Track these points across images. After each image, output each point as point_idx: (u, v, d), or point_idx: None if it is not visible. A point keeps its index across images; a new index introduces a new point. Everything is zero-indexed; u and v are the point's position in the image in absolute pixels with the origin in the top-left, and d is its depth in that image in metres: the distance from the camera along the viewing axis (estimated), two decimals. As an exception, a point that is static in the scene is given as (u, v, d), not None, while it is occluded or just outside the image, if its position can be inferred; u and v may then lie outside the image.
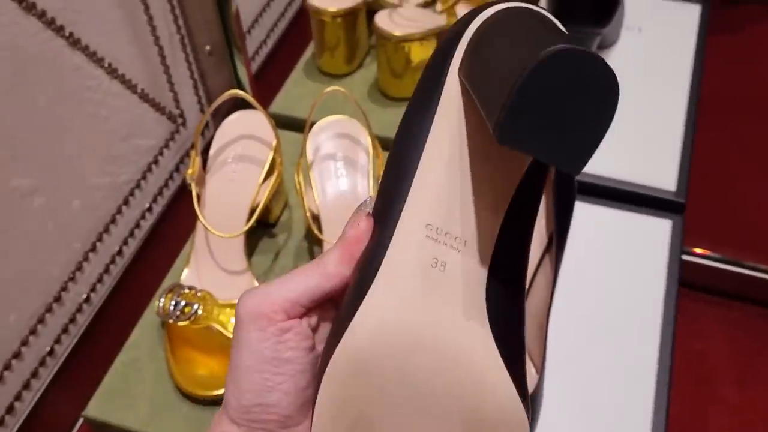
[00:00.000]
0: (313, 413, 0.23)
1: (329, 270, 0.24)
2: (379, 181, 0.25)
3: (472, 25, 0.23)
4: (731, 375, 0.56)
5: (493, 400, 0.22)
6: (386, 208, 0.23)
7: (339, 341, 0.22)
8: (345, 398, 0.22)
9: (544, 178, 0.24)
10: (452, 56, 0.23)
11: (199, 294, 0.47)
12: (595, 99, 0.17)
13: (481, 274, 0.23)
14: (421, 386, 0.22)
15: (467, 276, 0.23)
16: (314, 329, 0.25)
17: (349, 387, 0.22)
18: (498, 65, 0.19)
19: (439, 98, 0.23)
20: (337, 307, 0.25)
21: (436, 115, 0.23)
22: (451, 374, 0.22)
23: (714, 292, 0.59)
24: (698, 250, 0.58)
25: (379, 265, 0.22)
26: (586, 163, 0.18)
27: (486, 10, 0.23)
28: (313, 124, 0.52)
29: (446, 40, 0.23)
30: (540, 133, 0.17)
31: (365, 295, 0.22)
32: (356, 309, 0.22)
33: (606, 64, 0.17)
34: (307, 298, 0.24)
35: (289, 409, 0.24)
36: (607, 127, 0.18)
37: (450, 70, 0.23)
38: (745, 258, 0.58)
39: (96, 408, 0.45)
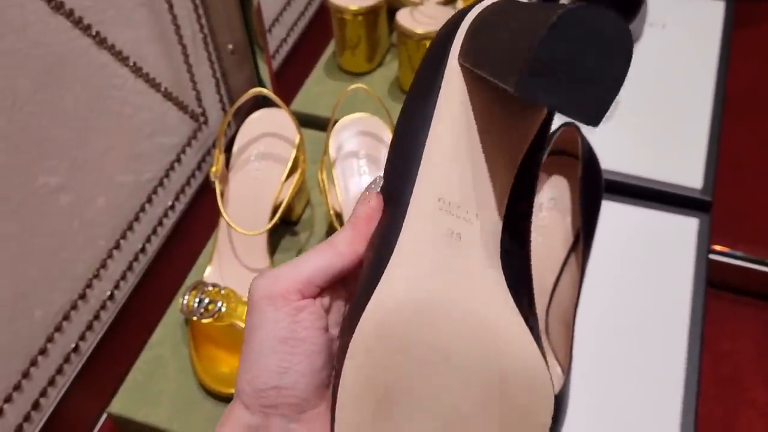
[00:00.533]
0: (333, 392, 0.22)
1: (341, 249, 0.24)
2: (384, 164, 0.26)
3: (469, 15, 0.24)
4: (760, 376, 0.55)
5: (519, 366, 0.22)
6: (397, 185, 0.24)
7: (361, 314, 0.22)
8: (371, 369, 0.22)
9: (544, 147, 0.25)
10: (452, 43, 0.24)
11: (222, 291, 0.47)
12: (610, 53, 0.19)
13: (494, 241, 0.24)
14: (447, 354, 0.22)
15: (482, 244, 0.23)
16: (326, 311, 0.24)
17: (375, 357, 0.22)
18: (511, 33, 0.20)
19: (441, 82, 0.23)
20: (346, 288, 0.25)
21: (438, 98, 0.23)
22: (476, 341, 0.22)
23: (741, 291, 0.58)
24: (725, 249, 0.57)
25: (396, 239, 0.22)
26: (603, 115, 0.19)
27: (484, 1, 0.24)
28: (335, 122, 0.52)
29: (445, 29, 0.24)
30: (559, 86, 0.18)
31: (384, 269, 0.22)
32: (377, 282, 0.22)
33: (620, 20, 0.18)
34: (320, 278, 0.24)
35: (306, 392, 0.23)
36: (622, 81, 0.19)
37: (450, 55, 0.24)
38: (773, 257, 0.57)
39: (120, 405, 0.46)
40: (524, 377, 0.22)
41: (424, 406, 0.22)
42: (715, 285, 0.55)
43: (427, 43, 0.58)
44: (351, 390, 0.22)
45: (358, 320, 0.22)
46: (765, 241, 0.58)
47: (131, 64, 0.49)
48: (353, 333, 0.22)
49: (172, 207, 0.58)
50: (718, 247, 0.57)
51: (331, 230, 0.53)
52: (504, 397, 0.22)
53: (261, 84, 0.59)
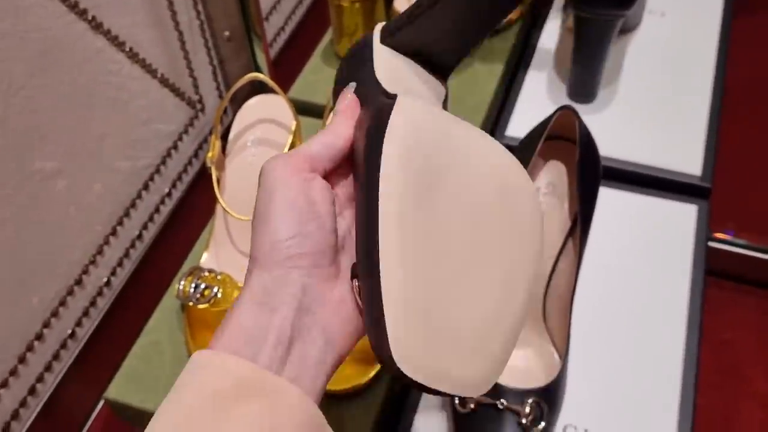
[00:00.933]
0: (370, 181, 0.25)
1: (336, 131, 0.27)
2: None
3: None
4: (761, 366, 0.54)
5: (512, 174, 0.28)
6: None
7: (386, 128, 0.25)
8: (409, 146, 0.25)
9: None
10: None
11: (218, 277, 0.47)
12: None
13: None
14: (466, 155, 0.27)
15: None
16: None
17: (410, 151, 0.25)
18: None
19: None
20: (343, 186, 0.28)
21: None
22: (483, 156, 0.27)
23: (742, 279, 0.57)
24: (725, 237, 0.57)
25: (388, 117, 0.26)
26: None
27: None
28: (332, 108, 0.52)
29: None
30: None
31: (390, 114, 0.26)
32: (389, 117, 0.26)
33: None
34: (324, 155, 0.27)
35: (321, 244, 0.25)
36: None
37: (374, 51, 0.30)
38: (774, 245, 0.56)
39: (116, 390, 0.46)
40: (518, 183, 0.28)
41: (453, 193, 0.26)
42: (715, 273, 0.55)
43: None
44: (394, 158, 0.25)
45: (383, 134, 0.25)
46: (765, 229, 0.58)
47: (127, 49, 0.49)
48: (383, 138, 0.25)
49: (168, 194, 0.58)
50: (720, 235, 0.57)
51: (328, 217, 0.53)
52: (507, 196, 0.27)
53: (258, 71, 0.59)
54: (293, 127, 0.51)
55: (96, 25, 0.46)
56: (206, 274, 0.47)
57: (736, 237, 0.57)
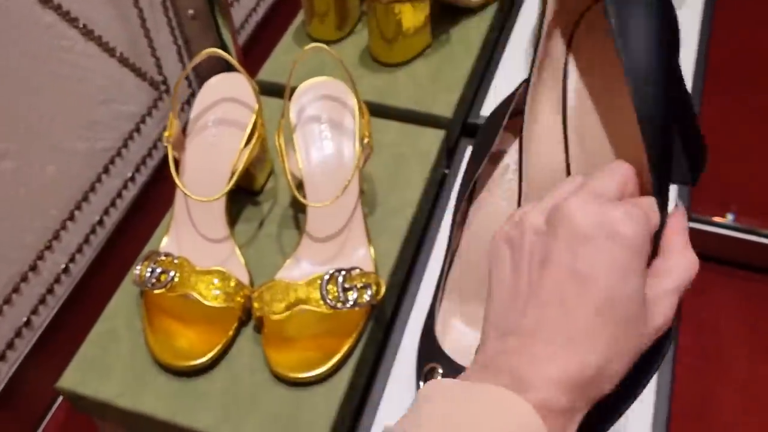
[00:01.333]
0: None
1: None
2: None
3: None
4: (742, 350, 0.52)
5: None
6: None
7: None
8: None
9: None
10: None
11: (176, 261, 0.45)
12: None
13: None
14: None
15: None
16: None
17: None
18: None
19: None
20: None
21: None
22: None
23: (725, 261, 0.55)
24: (707, 218, 0.55)
25: None
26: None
27: None
28: (293, 89, 0.50)
29: None
30: None
31: None
32: None
33: None
34: None
35: None
36: None
37: None
38: (759, 225, 0.54)
39: (70, 379, 0.44)
40: None
41: None
42: (697, 255, 0.53)
43: (397, 8, 0.56)
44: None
45: None
46: (751, 210, 0.56)
47: (81, 26, 0.47)
48: None
49: (132, 178, 0.56)
50: (702, 216, 0.55)
51: (294, 200, 0.51)
52: None
53: (225, 51, 0.57)
54: (256, 107, 0.49)
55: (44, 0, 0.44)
56: (163, 258, 0.45)
57: (719, 218, 0.55)
